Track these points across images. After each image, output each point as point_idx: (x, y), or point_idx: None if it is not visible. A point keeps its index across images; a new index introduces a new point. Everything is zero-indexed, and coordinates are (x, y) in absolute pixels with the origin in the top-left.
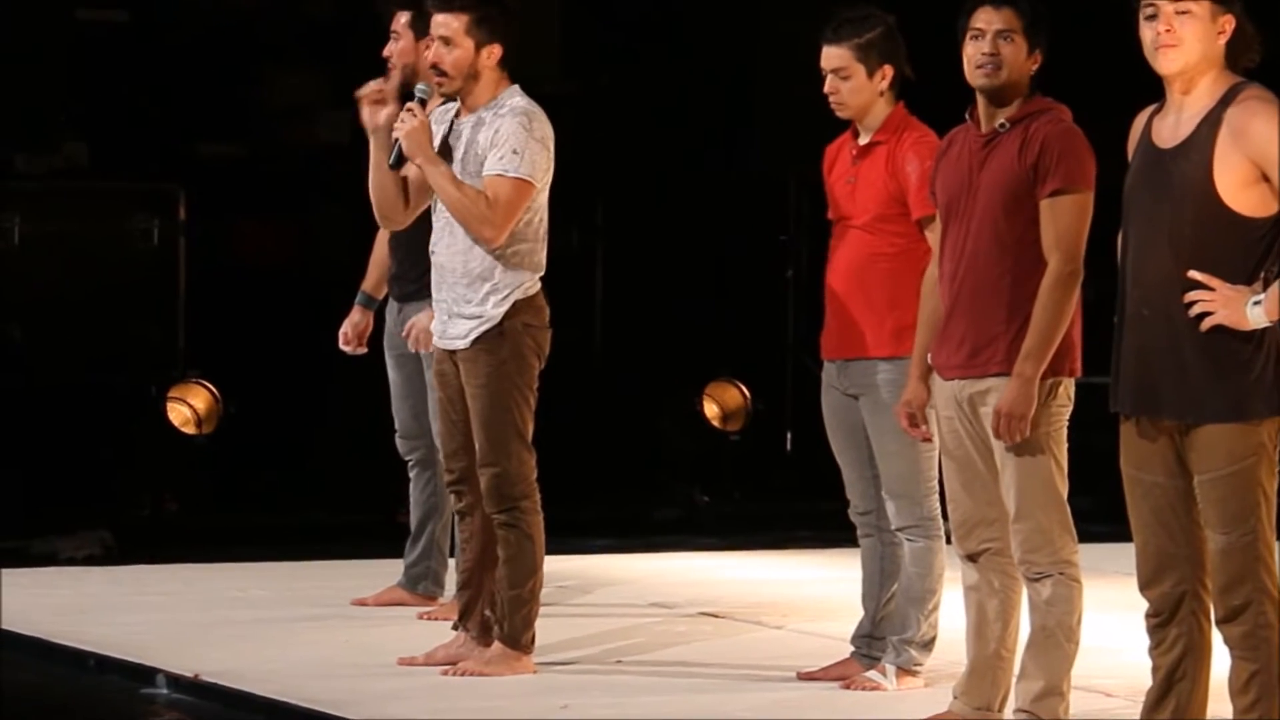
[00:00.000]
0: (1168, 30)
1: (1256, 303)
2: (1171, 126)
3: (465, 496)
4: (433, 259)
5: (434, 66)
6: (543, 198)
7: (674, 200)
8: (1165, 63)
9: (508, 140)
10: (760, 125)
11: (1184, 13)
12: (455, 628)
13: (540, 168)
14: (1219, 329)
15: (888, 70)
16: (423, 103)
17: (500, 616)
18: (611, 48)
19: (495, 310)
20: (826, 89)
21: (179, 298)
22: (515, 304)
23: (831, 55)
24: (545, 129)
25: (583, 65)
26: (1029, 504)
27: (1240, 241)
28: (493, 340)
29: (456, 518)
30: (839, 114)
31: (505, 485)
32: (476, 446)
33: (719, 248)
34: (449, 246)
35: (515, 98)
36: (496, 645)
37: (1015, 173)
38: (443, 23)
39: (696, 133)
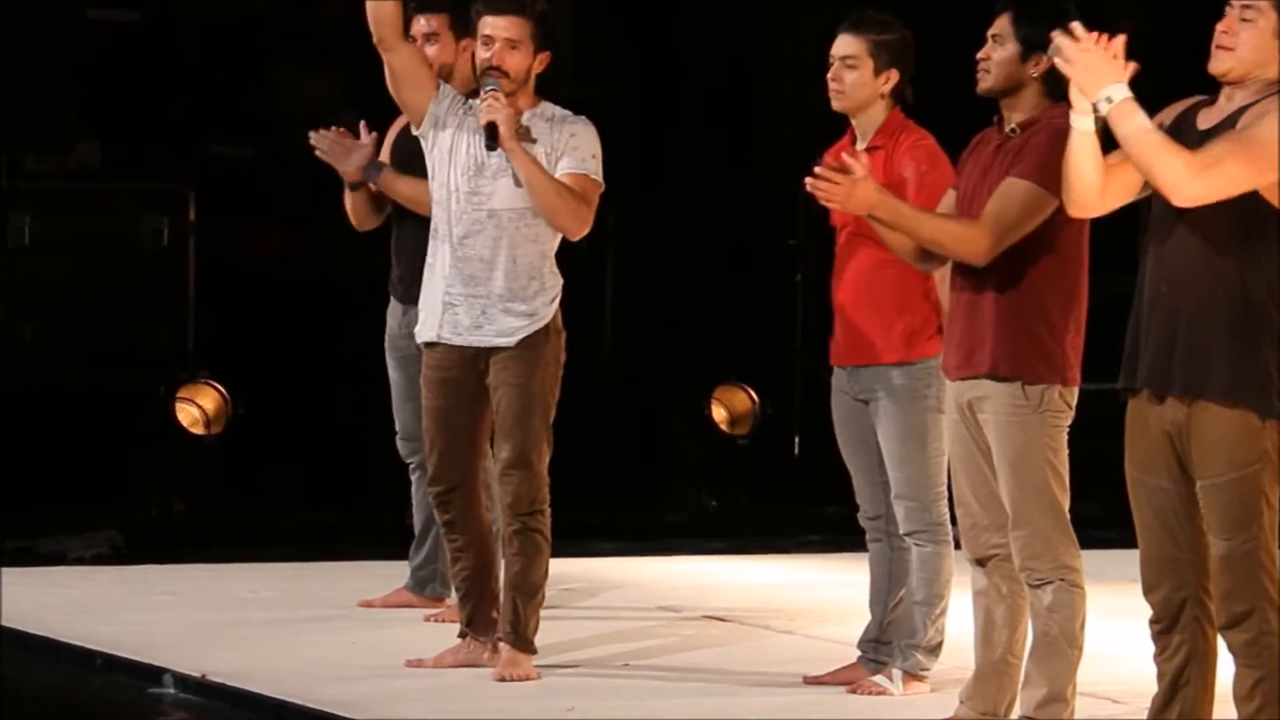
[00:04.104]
0: (1225, 32)
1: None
2: (1215, 114)
3: (452, 508)
4: (458, 251)
5: (496, 68)
6: None
7: (683, 205)
8: (1214, 62)
9: (586, 145)
10: (770, 130)
11: (1247, 19)
12: (463, 635)
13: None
14: (1238, 314)
15: (894, 75)
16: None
17: (515, 619)
18: (623, 53)
19: (547, 310)
20: (830, 75)
21: (188, 298)
22: (557, 309)
23: (846, 42)
24: None
25: (595, 70)
26: (1025, 510)
27: (1255, 226)
28: (539, 341)
29: (443, 530)
30: (835, 103)
31: (535, 489)
32: (506, 448)
33: (728, 252)
34: (497, 240)
35: (558, 107)
36: (508, 648)
37: (1004, 177)
38: (508, 25)
39: (706, 137)
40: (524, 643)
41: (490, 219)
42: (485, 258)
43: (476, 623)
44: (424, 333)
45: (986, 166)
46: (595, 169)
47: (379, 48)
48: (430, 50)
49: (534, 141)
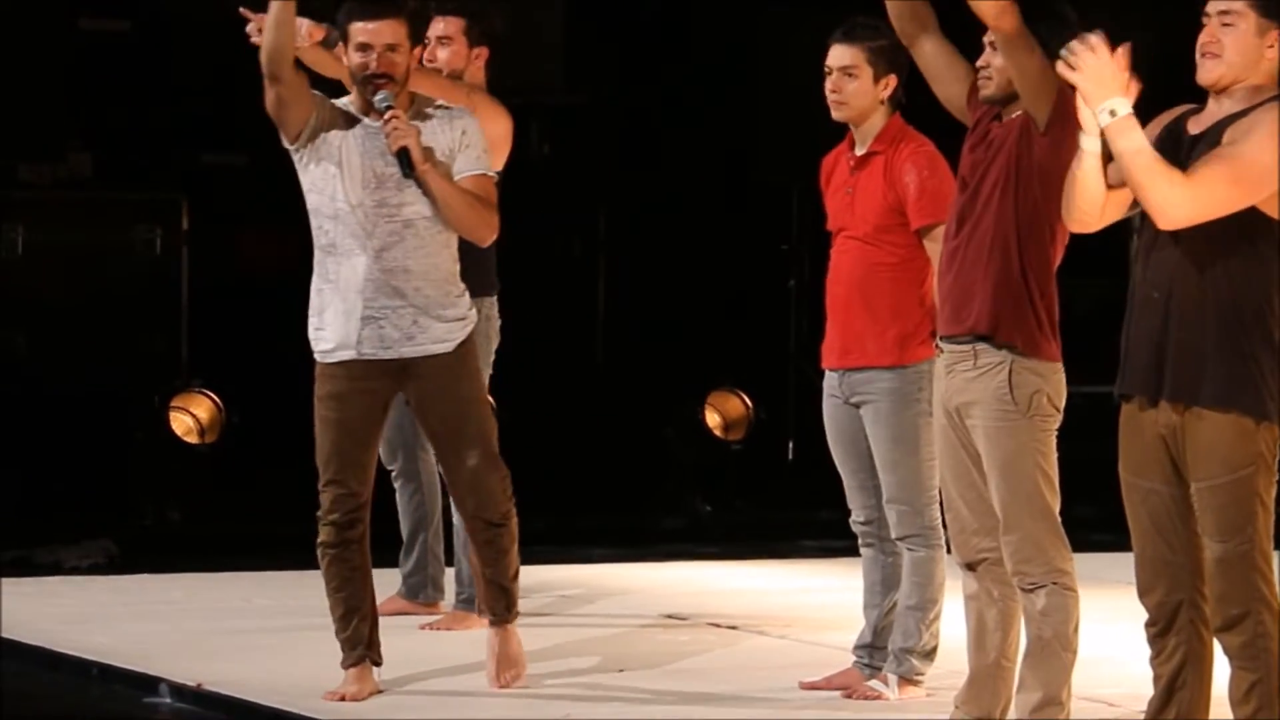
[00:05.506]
0: (1209, 41)
1: (1112, 113)
2: (1205, 119)
3: (360, 525)
4: (379, 264)
5: (383, 75)
6: None
7: (676, 210)
8: (1202, 72)
9: (477, 140)
10: (763, 135)
11: (1228, 24)
12: (362, 660)
13: None
14: (1230, 319)
15: (892, 80)
16: (389, 110)
17: (508, 600)
18: (615, 58)
19: (471, 312)
20: (830, 87)
21: (182, 307)
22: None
23: (842, 53)
24: None
25: (586, 75)
26: (1015, 515)
27: (1247, 233)
28: (470, 344)
29: (338, 549)
30: (836, 114)
31: (507, 483)
32: (473, 455)
33: (721, 257)
34: (418, 249)
35: (436, 102)
36: (506, 630)
37: (1014, 153)
38: (383, 29)
39: (699, 143)
40: (513, 617)
41: (408, 229)
42: (409, 267)
43: (374, 644)
44: (337, 352)
45: (980, 148)
46: (489, 164)
47: (270, 80)
48: (442, 54)
49: (440, 162)
